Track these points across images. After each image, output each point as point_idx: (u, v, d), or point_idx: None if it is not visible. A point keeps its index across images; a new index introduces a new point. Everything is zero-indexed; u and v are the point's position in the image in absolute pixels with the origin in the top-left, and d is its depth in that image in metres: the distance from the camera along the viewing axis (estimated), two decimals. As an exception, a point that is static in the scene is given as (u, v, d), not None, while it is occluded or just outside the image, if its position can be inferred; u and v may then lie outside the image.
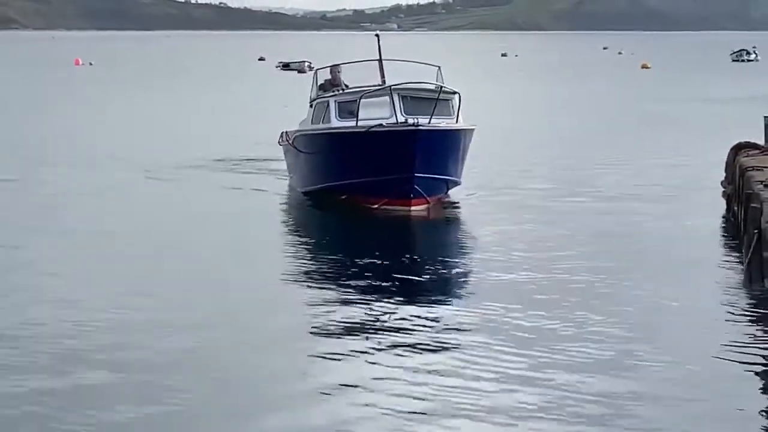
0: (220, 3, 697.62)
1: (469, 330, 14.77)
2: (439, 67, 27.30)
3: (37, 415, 11.69)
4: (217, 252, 20.65)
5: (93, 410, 11.74)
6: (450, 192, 26.00)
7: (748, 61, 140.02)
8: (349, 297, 16.71)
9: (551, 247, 20.53)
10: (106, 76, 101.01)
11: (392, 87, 25.21)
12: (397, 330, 14.80)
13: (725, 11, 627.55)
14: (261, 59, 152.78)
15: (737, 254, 19.29)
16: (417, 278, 18.14)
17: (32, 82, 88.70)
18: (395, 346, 14.04)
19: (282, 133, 29.35)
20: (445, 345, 14.12)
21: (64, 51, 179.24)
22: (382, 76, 27.08)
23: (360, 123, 24.71)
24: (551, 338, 14.30)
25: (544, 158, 35.35)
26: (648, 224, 23.24)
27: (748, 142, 25.01)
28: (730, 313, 15.68)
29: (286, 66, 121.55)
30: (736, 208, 22.02)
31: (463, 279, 18.38)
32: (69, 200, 27.12)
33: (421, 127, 23.60)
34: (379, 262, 19.29)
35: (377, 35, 28.23)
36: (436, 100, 24.61)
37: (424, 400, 11.98)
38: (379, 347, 14.02)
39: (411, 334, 14.64)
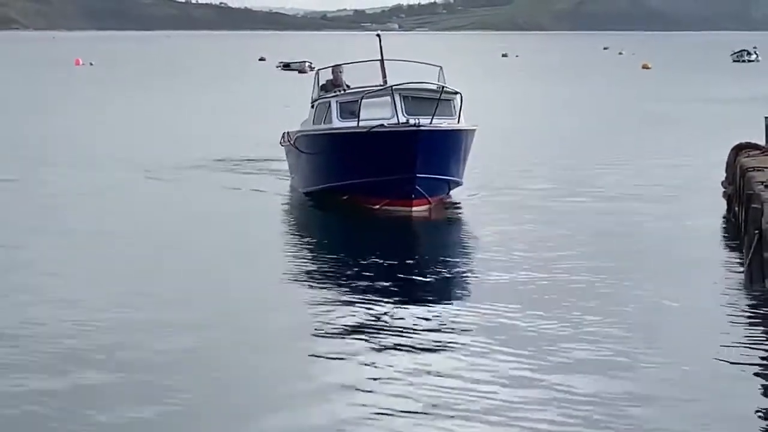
0: (221, 3, 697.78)
1: (470, 330, 14.75)
2: (440, 67, 27.25)
3: (37, 415, 11.68)
4: (217, 252, 20.64)
5: (93, 410, 11.73)
6: (452, 192, 25.97)
7: (749, 61, 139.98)
8: (349, 297, 16.70)
9: (552, 247, 20.52)
10: (107, 76, 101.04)
11: (394, 87, 25.16)
12: (398, 330, 14.79)
13: (726, 11, 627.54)
14: (261, 59, 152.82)
15: (738, 255, 19.28)
16: (418, 279, 18.12)
17: (32, 82, 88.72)
18: (396, 347, 14.03)
19: (284, 133, 29.33)
20: (445, 345, 14.10)
21: (65, 51, 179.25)
22: (384, 76, 27.05)
23: (361, 123, 24.69)
24: (552, 339, 14.28)
25: (545, 158, 35.34)
26: (648, 224, 23.23)
27: (749, 142, 25.01)
28: (731, 313, 15.67)
29: (286, 66, 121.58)
30: (736, 208, 22.01)
31: (464, 279, 18.37)
32: (69, 200, 27.11)
33: (422, 128, 23.57)
34: (381, 262, 19.28)
35: (379, 35, 28.19)
36: (437, 100, 24.57)
37: (424, 400, 11.97)
38: (380, 347, 14.01)
39: (411, 334, 14.62)
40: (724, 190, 24.29)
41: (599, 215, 24.44)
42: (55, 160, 35.00)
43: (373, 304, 16.17)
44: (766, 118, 25.38)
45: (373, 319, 15.37)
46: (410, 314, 15.57)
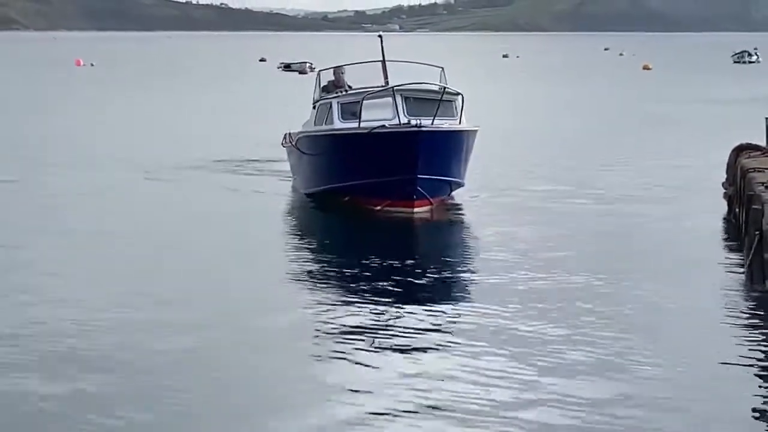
0: (221, 4, 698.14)
1: (471, 332, 14.73)
2: (442, 68, 27.22)
3: (37, 415, 11.67)
4: (217, 252, 20.63)
5: (93, 410, 11.72)
6: (453, 193, 25.94)
7: (750, 62, 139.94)
8: (350, 298, 16.68)
9: (553, 248, 20.50)
10: (107, 77, 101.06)
11: (395, 88, 25.11)
12: (398, 331, 14.77)
13: (726, 12, 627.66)
14: (262, 60, 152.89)
15: (738, 255, 19.27)
16: (419, 280, 18.10)
17: (33, 82, 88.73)
18: (396, 348, 14.01)
19: (285, 134, 29.32)
20: (446, 347, 14.08)
21: (65, 51, 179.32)
22: (386, 77, 27.01)
23: (363, 124, 24.63)
24: (552, 339, 14.26)
25: (546, 159, 35.33)
26: (649, 225, 23.22)
27: (750, 143, 25.01)
28: (731, 314, 15.66)
29: (287, 67, 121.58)
30: (737, 209, 22.00)
31: (465, 280, 18.34)
32: (69, 200, 27.09)
33: (423, 128, 23.53)
34: (382, 263, 19.26)
35: (380, 36, 28.09)
36: (439, 101, 24.53)
37: (423, 401, 11.95)
38: (380, 348, 14.00)
39: (412, 335, 14.60)
40: (724, 191, 24.28)
41: (600, 216, 24.43)
42: (55, 160, 34.99)
43: (373, 304, 16.15)
44: (766, 119, 25.35)
45: (374, 319, 15.36)
46: (411, 315, 15.55)
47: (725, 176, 24.77)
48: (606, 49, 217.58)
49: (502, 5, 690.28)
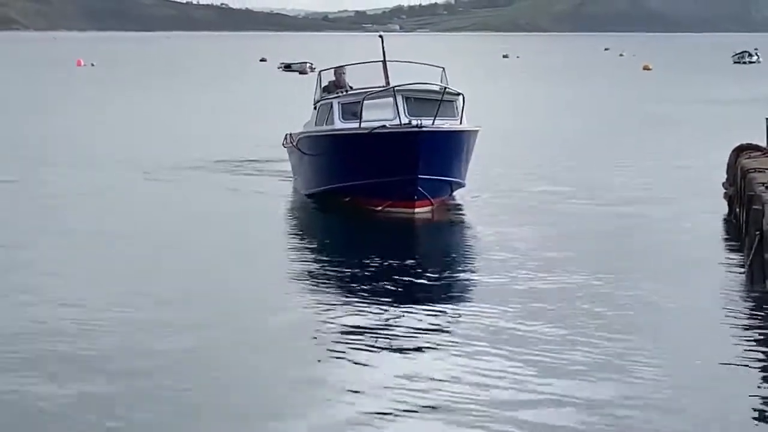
0: (222, 4, 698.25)
1: (472, 332, 14.72)
2: (443, 68, 27.18)
3: (37, 415, 11.67)
4: (218, 253, 20.62)
5: (93, 410, 11.71)
6: (454, 194, 25.92)
7: (750, 63, 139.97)
8: (351, 298, 16.67)
9: (554, 248, 20.49)
10: (107, 77, 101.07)
11: (395, 88, 25.05)
12: (399, 332, 14.76)
13: (727, 13, 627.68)
14: (262, 60, 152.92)
15: (738, 256, 19.27)
16: (420, 280, 18.09)
17: (33, 82, 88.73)
18: (396, 348, 14.01)
19: (286, 135, 29.29)
20: (446, 347, 14.07)
21: (65, 51, 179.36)
22: (386, 77, 26.97)
23: (363, 124, 24.61)
24: (553, 340, 14.25)
25: (547, 160, 35.32)
26: (649, 225, 23.22)
27: (750, 143, 25.01)
28: (732, 314, 15.65)
29: (287, 67, 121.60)
30: (737, 209, 22.00)
31: (466, 281, 18.32)
32: (69, 200, 27.09)
33: (424, 129, 23.50)
34: (383, 264, 19.25)
35: (381, 37, 28.04)
36: (439, 101, 24.51)
37: (423, 402, 11.95)
38: (380, 349, 13.99)
39: (412, 336, 14.60)
40: (725, 191, 24.27)
41: (600, 216, 24.43)
42: (55, 160, 34.99)
43: (374, 305, 16.14)
44: (767, 119, 25.34)
45: (374, 320, 15.34)
46: (411, 315, 15.54)
47: (725, 176, 24.77)
48: (606, 50, 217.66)
49: (502, 6, 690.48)
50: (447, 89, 25.07)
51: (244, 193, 28.34)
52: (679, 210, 24.94)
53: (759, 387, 12.62)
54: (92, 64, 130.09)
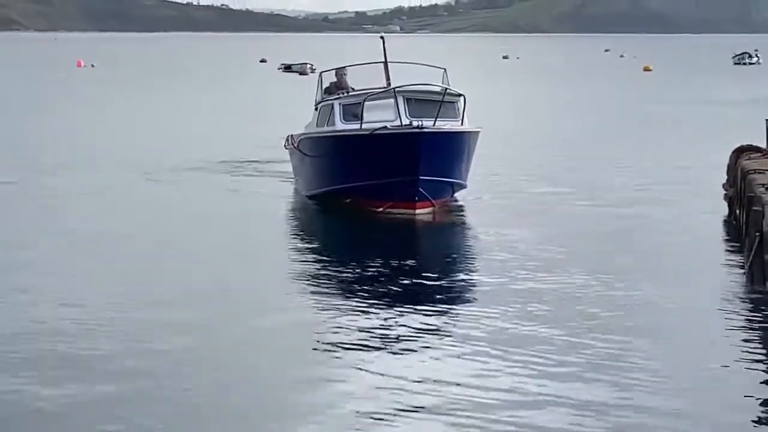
0: (222, 5, 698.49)
1: (473, 333, 14.72)
2: (444, 69, 27.15)
3: (37, 415, 11.66)
4: (218, 253, 20.62)
5: (92, 410, 11.72)
6: (456, 195, 25.91)
7: (750, 64, 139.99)
8: (351, 299, 16.67)
9: (555, 249, 20.49)
10: (107, 77, 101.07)
11: (396, 89, 25.02)
12: (399, 332, 14.76)
13: (727, 14, 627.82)
14: (262, 61, 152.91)
15: (739, 257, 19.27)
16: (421, 281, 18.08)
17: (33, 82, 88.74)
18: (396, 349, 14.01)
19: (287, 136, 29.25)
20: (447, 348, 14.07)
21: (66, 52, 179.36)
22: (388, 78, 26.95)
23: (364, 125, 24.59)
24: (553, 341, 14.25)
25: (548, 160, 35.33)
26: (649, 226, 23.23)
27: (750, 145, 25.00)
28: (732, 315, 15.65)
29: (288, 68, 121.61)
30: (737, 210, 22.00)
31: (467, 282, 18.32)
32: (69, 201, 27.09)
33: (425, 130, 23.49)
34: (384, 265, 19.23)
35: (382, 38, 28.01)
36: (440, 102, 24.49)
37: (422, 402, 11.95)
38: (381, 350, 13.99)
39: (413, 336, 14.60)
40: (725, 192, 24.27)
41: (600, 217, 24.43)
42: (55, 160, 34.98)
43: (374, 306, 16.14)
44: (767, 120, 25.35)
45: (375, 320, 15.34)
46: (412, 316, 15.55)
47: (725, 178, 24.77)
48: (606, 51, 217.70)
49: (502, 7, 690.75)
50: (448, 90, 25.04)
51: (244, 193, 28.34)
52: (679, 211, 24.95)
53: (759, 388, 12.61)
54: (92, 65, 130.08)
